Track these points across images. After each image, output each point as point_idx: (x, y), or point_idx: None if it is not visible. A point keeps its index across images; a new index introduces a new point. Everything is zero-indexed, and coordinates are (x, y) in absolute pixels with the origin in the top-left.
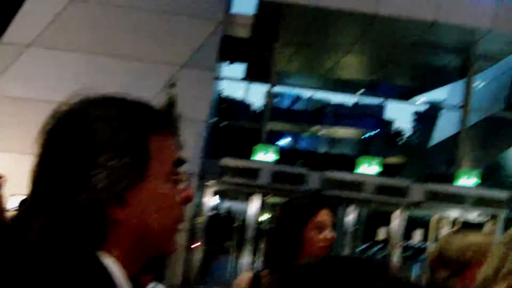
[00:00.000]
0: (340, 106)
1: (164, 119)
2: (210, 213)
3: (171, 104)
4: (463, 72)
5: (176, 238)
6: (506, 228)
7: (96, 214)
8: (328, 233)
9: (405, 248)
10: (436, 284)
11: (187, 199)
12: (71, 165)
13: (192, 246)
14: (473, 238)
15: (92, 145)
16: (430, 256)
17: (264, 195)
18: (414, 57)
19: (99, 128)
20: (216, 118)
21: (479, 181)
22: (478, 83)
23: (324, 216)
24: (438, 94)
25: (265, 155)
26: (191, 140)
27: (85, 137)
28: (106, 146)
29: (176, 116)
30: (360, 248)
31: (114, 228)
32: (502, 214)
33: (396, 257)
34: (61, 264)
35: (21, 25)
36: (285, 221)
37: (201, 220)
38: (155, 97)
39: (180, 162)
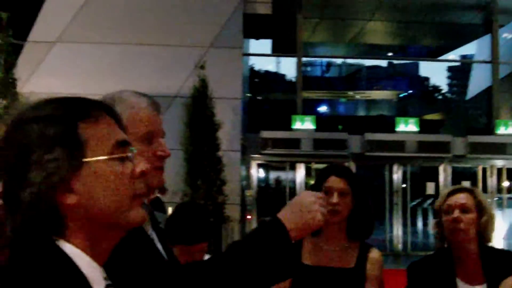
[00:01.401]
0: (372, 70)
1: (92, 106)
2: (259, 185)
3: (204, 85)
4: (488, 27)
5: (137, 210)
6: None
7: (45, 205)
8: (334, 198)
9: None
10: None
11: (141, 173)
12: (10, 167)
13: (247, 217)
14: None
15: (23, 146)
16: None
17: (307, 163)
18: (437, 17)
19: (30, 129)
20: (249, 94)
21: None
22: (506, 35)
23: (331, 182)
24: (467, 50)
25: (303, 125)
26: (229, 117)
27: (18, 140)
28: (37, 144)
29: (108, 101)
30: (412, 203)
31: (70, 215)
32: None
33: None
34: (25, 259)
35: (45, 23)
36: (312, 187)
37: (250, 193)
38: (186, 80)
39: (123, 142)
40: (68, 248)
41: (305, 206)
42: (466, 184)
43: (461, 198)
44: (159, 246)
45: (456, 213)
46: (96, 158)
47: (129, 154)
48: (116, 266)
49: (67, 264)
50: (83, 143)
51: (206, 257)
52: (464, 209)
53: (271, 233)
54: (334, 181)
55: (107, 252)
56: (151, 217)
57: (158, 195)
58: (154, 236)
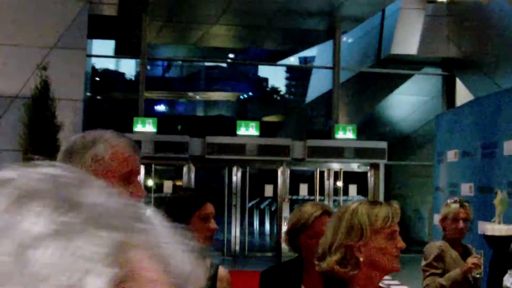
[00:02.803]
0: (212, 70)
1: None
2: None
3: (46, 86)
4: (331, 33)
5: None
6: (386, 175)
7: None
8: (212, 224)
9: (293, 201)
10: None
11: None
12: None
13: None
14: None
15: None
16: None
17: (148, 165)
18: (281, 23)
19: None
20: (90, 94)
21: (356, 134)
22: (346, 39)
23: (208, 208)
24: (308, 52)
25: (144, 127)
26: (70, 118)
27: None
28: None
29: (89, 140)
30: (250, 204)
31: None
32: (382, 162)
33: (285, 210)
34: None
35: None
36: (172, 215)
37: None
38: (28, 80)
39: None
40: None
41: None
42: (303, 187)
43: (326, 223)
44: None
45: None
46: None
47: None
48: None
49: None
50: None
51: None
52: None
53: None
54: (210, 207)
55: None
56: None
57: None
58: None
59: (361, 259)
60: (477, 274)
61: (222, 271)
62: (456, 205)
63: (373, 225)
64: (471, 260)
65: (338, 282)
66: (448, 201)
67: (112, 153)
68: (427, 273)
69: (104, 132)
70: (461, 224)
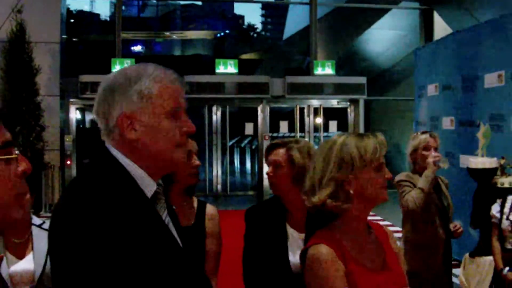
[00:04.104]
0: (189, 10)
1: None
2: (78, 130)
3: (21, 29)
4: None
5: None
6: (366, 110)
7: None
8: (195, 160)
9: (273, 139)
10: None
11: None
12: None
13: (67, 163)
14: None
15: None
16: None
17: None
18: None
19: None
20: (66, 36)
21: (334, 70)
22: None
23: (189, 145)
24: None
25: (122, 67)
26: (47, 61)
27: None
28: None
29: (132, 75)
30: (231, 142)
31: None
32: (362, 98)
33: (265, 147)
34: None
35: None
36: None
37: (70, 138)
38: (3, 24)
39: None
40: None
41: None
42: (283, 124)
43: (274, 154)
44: (174, 231)
45: (269, 169)
46: None
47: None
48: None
49: None
50: None
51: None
52: (276, 164)
53: None
54: (191, 144)
55: None
56: (167, 202)
57: None
58: (168, 220)
59: (352, 192)
60: (444, 165)
61: (211, 208)
62: (426, 135)
63: (363, 157)
64: (430, 157)
65: (328, 215)
66: (415, 133)
67: (159, 88)
68: (404, 193)
69: (146, 65)
70: (433, 152)
